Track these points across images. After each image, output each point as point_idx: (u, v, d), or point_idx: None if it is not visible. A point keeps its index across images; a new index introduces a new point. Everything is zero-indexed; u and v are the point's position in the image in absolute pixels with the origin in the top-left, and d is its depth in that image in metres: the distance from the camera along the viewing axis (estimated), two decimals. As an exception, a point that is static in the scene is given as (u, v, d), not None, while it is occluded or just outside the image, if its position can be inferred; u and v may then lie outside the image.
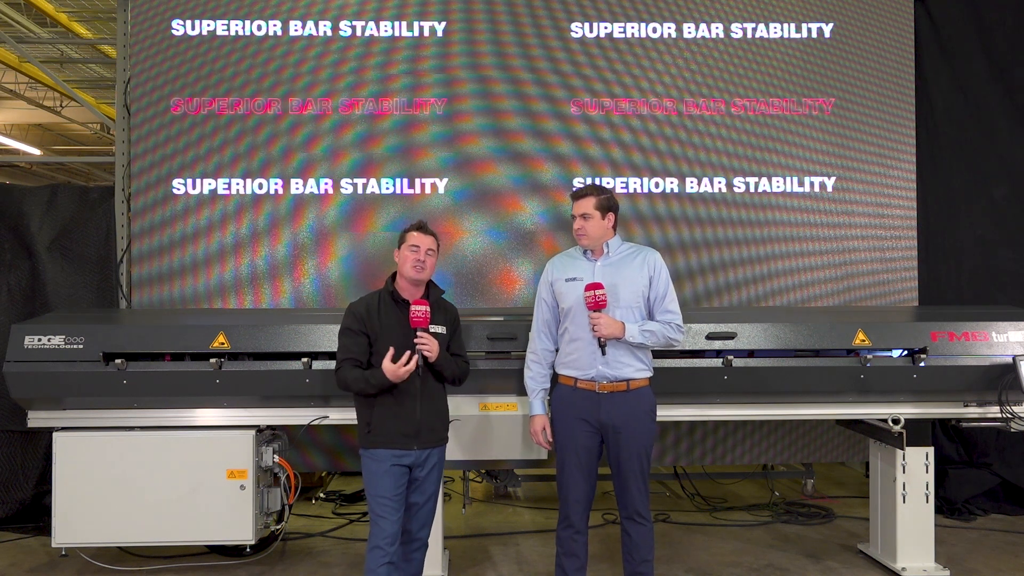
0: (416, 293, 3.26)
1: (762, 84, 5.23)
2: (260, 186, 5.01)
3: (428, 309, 3.15)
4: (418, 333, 3.14)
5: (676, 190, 5.15)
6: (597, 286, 3.23)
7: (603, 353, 3.26)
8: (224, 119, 5.01)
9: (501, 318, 4.15)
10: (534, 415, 3.46)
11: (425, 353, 3.14)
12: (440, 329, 3.27)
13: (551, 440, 3.44)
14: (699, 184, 5.17)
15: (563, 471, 3.39)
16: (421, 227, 3.29)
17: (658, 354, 3.58)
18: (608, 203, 3.39)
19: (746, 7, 5.24)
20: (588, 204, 3.36)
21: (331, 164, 5.04)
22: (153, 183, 5.00)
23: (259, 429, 3.99)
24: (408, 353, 3.10)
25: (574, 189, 3.88)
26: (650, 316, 3.38)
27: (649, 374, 3.38)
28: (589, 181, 5.03)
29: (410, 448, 3.17)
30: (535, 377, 3.48)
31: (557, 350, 3.48)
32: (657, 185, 5.14)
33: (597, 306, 3.22)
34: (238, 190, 5.00)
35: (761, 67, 5.23)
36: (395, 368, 3.07)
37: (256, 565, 4.27)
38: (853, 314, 4.53)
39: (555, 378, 3.47)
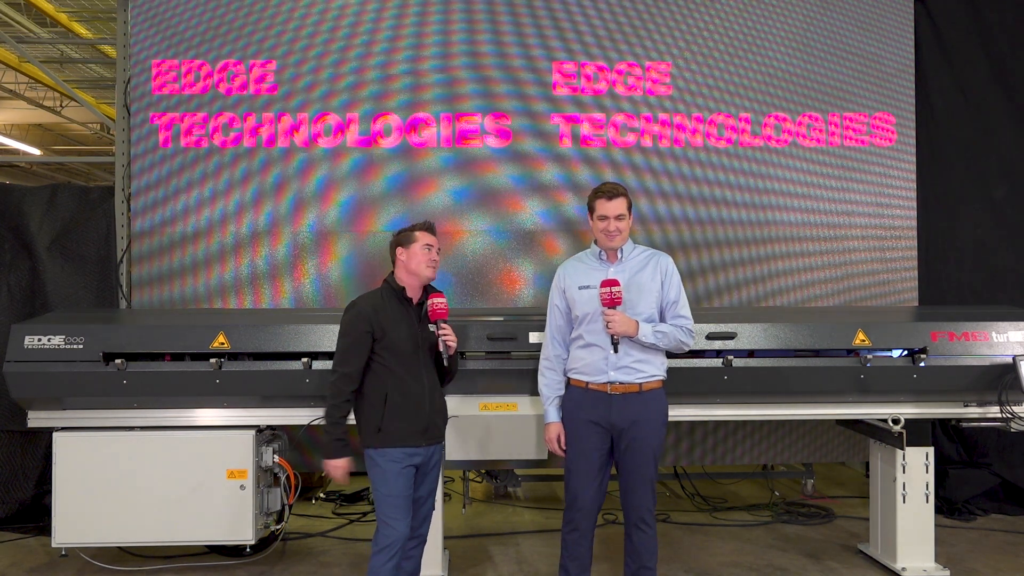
0: (419, 292, 3.28)
1: (762, 84, 5.23)
2: (259, 186, 5.01)
3: (446, 301, 3.21)
4: (440, 324, 3.19)
5: (677, 190, 5.16)
6: (613, 283, 3.19)
7: (615, 351, 3.22)
8: (224, 119, 5.01)
9: (501, 318, 4.14)
10: (549, 423, 3.40)
11: (449, 343, 3.18)
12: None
13: (564, 448, 3.38)
14: (700, 184, 5.17)
15: (573, 475, 3.33)
16: (430, 227, 3.31)
17: (658, 354, 3.57)
18: (631, 202, 3.38)
19: (746, 7, 5.25)
20: (623, 204, 3.30)
21: (331, 164, 5.04)
22: (153, 183, 5.00)
23: (259, 429, 3.99)
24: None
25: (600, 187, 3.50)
26: (662, 319, 3.34)
27: (662, 377, 3.34)
28: (588, 181, 5.03)
29: (419, 445, 3.18)
30: (550, 384, 3.42)
31: None
32: (658, 185, 5.15)
33: (613, 303, 3.18)
34: (238, 189, 5.01)
35: (762, 67, 5.23)
36: (336, 468, 3.16)
37: (256, 565, 4.27)
38: (853, 314, 4.52)
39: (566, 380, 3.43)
